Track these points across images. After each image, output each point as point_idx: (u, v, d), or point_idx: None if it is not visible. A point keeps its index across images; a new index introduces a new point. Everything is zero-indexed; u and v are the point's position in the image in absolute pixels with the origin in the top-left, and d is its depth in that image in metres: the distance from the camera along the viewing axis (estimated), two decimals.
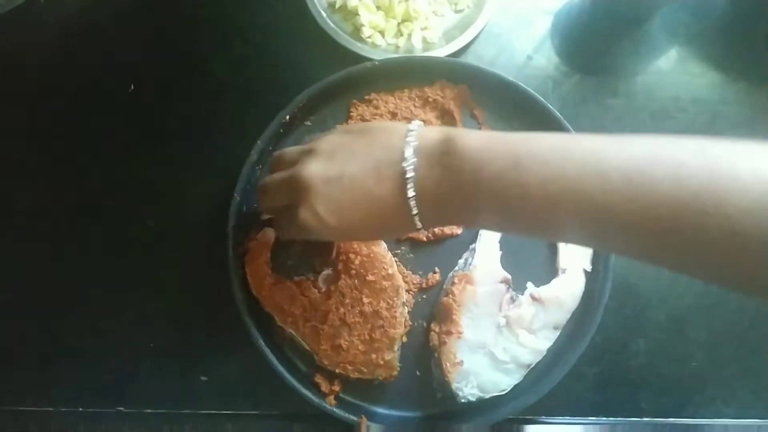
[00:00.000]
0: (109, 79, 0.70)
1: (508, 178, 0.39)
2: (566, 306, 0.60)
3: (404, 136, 0.43)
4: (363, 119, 0.66)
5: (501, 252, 0.62)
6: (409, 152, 0.42)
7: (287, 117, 0.63)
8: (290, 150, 0.51)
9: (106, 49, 0.72)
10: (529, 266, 0.63)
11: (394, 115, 0.66)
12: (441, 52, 0.68)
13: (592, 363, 0.63)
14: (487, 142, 0.40)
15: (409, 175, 0.42)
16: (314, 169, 0.45)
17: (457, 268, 0.62)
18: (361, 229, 0.46)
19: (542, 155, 0.39)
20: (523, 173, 0.38)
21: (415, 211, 0.43)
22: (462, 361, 0.58)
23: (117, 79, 0.70)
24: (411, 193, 0.42)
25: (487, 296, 0.60)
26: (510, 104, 0.66)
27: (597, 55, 0.73)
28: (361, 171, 0.44)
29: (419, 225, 0.44)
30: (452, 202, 0.42)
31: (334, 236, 0.46)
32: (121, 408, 0.63)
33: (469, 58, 0.71)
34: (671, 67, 0.72)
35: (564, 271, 0.62)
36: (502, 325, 0.60)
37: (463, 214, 0.43)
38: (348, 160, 0.45)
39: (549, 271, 0.63)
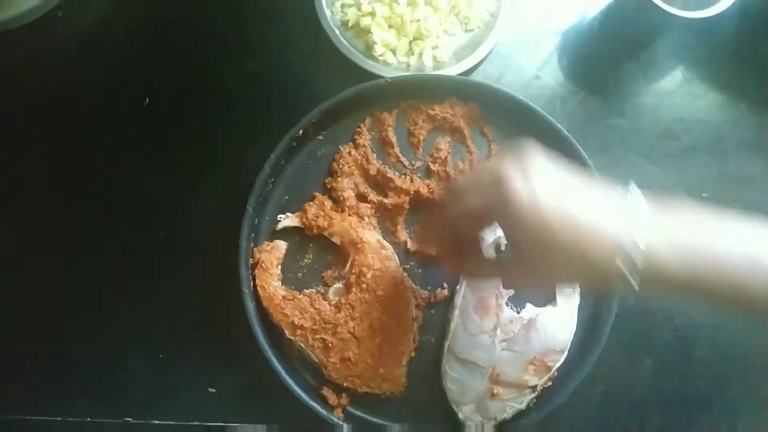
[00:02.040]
0: (124, 92, 0.71)
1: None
2: (558, 338, 0.60)
3: (625, 211, 0.42)
4: (375, 136, 0.67)
5: None
6: (635, 234, 0.41)
7: (300, 131, 0.64)
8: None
9: (121, 63, 0.73)
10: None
11: (409, 134, 0.67)
12: (451, 70, 0.69)
13: (597, 382, 0.63)
14: (715, 236, 0.42)
15: (634, 254, 0.41)
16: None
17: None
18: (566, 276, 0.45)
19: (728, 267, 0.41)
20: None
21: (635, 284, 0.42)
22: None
23: (132, 93, 0.71)
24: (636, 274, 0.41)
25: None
26: (519, 122, 0.66)
27: (604, 75, 0.74)
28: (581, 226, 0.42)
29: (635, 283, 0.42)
30: (677, 281, 0.42)
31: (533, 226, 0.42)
32: (129, 419, 0.63)
33: (479, 77, 0.72)
34: (676, 88, 0.73)
35: (557, 301, 0.62)
36: (503, 348, 0.60)
37: (682, 290, 0.43)
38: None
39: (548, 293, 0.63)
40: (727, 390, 0.64)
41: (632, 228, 0.41)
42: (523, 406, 0.59)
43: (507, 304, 0.62)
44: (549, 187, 0.42)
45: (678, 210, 0.43)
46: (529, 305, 0.62)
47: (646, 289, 0.42)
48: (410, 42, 0.71)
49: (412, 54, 0.71)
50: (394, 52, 0.71)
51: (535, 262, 0.44)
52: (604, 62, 0.74)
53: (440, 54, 0.71)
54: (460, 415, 0.59)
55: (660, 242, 0.41)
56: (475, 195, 0.45)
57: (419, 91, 0.67)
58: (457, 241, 0.50)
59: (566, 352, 0.60)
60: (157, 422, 0.63)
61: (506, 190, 0.42)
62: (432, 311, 0.64)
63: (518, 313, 0.62)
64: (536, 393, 0.59)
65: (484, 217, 0.46)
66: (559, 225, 0.41)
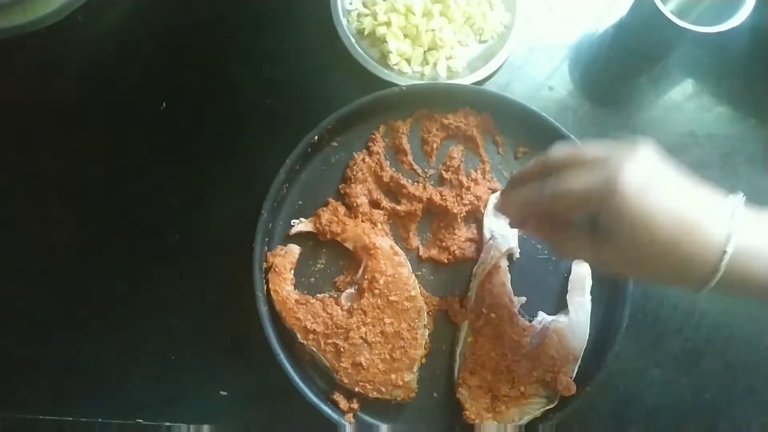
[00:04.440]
0: (141, 96, 0.72)
1: None
2: (571, 346, 0.60)
3: (726, 215, 0.43)
4: (388, 143, 0.68)
5: (510, 276, 0.63)
6: (733, 240, 0.42)
7: (315, 138, 0.65)
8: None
9: (140, 67, 0.74)
10: (540, 294, 0.64)
11: (423, 141, 0.68)
12: (465, 80, 0.70)
13: (607, 392, 0.63)
14: None
15: (727, 256, 0.42)
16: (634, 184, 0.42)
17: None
18: (655, 227, 0.42)
19: None
20: None
21: (714, 281, 0.43)
22: None
23: (149, 97, 0.72)
24: (720, 274, 0.42)
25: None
26: (531, 133, 0.67)
27: (615, 88, 0.74)
28: (681, 221, 0.42)
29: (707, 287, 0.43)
30: (756, 285, 0.43)
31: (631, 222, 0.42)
32: (140, 420, 0.63)
33: (491, 87, 0.73)
34: (687, 102, 0.74)
35: (569, 310, 0.62)
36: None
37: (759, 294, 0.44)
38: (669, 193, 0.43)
39: (559, 301, 0.64)
40: (736, 403, 0.64)
41: (727, 229, 0.42)
42: (538, 414, 0.59)
43: (519, 312, 0.62)
44: (657, 184, 0.42)
45: None
46: (541, 313, 0.63)
47: (724, 290, 0.43)
48: (425, 52, 0.72)
49: (427, 64, 0.72)
50: (408, 61, 0.72)
51: (629, 252, 0.44)
52: (615, 75, 0.75)
53: (454, 64, 0.72)
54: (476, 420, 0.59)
55: (751, 246, 0.42)
56: (579, 176, 0.44)
57: (433, 100, 0.68)
58: (543, 216, 0.49)
59: (579, 361, 0.60)
60: (168, 424, 0.63)
61: (615, 181, 0.41)
62: (444, 318, 0.64)
63: (530, 321, 0.62)
64: (552, 403, 0.59)
65: (582, 202, 0.44)
66: (662, 224, 0.42)
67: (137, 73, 0.73)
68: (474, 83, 0.70)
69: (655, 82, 0.74)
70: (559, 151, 0.48)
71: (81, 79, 0.73)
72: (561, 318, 0.62)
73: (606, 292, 0.63)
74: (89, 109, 0.72)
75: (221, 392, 0.64)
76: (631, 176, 0.42)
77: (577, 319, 0.61)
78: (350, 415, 0.60)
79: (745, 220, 0.43)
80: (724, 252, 0.41)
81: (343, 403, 0.61)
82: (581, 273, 0.63)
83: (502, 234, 0.63)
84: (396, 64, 0.71)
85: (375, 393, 0.60)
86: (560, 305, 0.63)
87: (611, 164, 0.43)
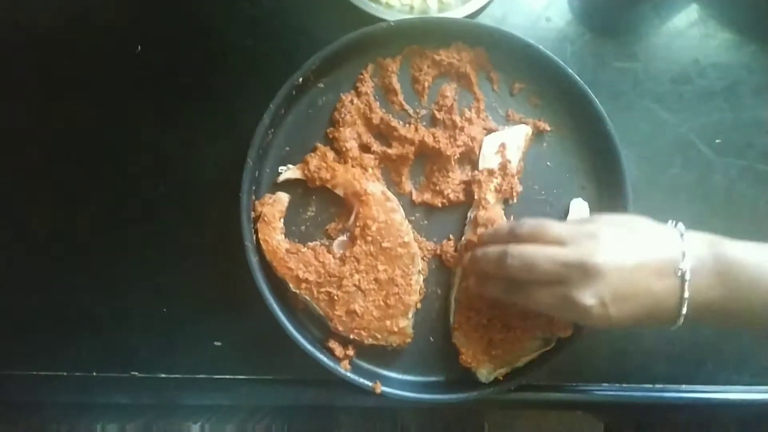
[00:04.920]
0: (114, 38, 0.68)
1: None
2: None
3: (678, 240, 0.47)
4: (378, 83, 0.65)
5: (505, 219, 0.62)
6: (688, 257, 0.46)
7: (300, 79, 0.62)
8: (532, 224, 0.51)
9: (111, 7, 0.69)
10: None
11: (413, 80, 0.65)
12: (457, 12, 0.66)
13: (605, 332, 0.63)
14: (756, 257, 0.46)
15: (688, 278, 0.46)
16: (607, 257, 0.46)
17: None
18: (629, 318, 0.47)
19: None
20: None
21: (684, 311, 0.46)
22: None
23: (123, 40, 0.68)
24: (686, 294, 0.46)
25: None
26: (528, 68, 0.64)
27: (616, 16, 0.70)
28: (644, 266, 0.46)
29: (680, 322, 0.47)
30: (721, 307, 0.46)
31: (605, 324, 0.47)
32: (135, 373, 0.63)
33: (485, 19, 0.69)
34: (691, 28, 0.70)
35: None
36: None
37: (726, 318, 0.48)
38: (631, 254, 0.47)
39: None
40: (734, 338, 0.64)
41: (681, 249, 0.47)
42: (534, 356, 0.59)
43: None
44: (622, 266, 0.46)
45: (724, 244, 0.47)
46: None
47: (691, 320, 0.47)
48: None
49: None
50: None
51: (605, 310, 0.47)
52: (616, 2, 0.71)
53: None
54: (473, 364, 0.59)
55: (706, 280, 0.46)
56: (542, 296, 0.48)
57: (424, 36, 0.64)
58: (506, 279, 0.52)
59: None
60: (163, 376, 0.63)
61: (577, 308, 0.46)
62: (438, 263, 0.63)
63: None
64: (549, 345, 0.59)
65: (544, 277, 0.48)
66: (627, 326, 0.48)
67: (108, 13, 0.69)
68: (467, 16, 0.66)
69: (657, 8, 0.70)
70: (527, 223, 0.51)
71: (50, 26, 0.69)
72: None
73: None
74: (60, 56, 0.68)
75: (215, 343, 0.63)
76: (591, 302, 0.46)
77: None
78: (346, 362, 0.60)
79: (694, 239, 0.48)
80: (683, 271, 0.46)
81: (338, 351, 0.60)
82: (578, 214, 0.61)
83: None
84: None
85: (370, 340, 0.60)
86: None
87: (570, 293, 0.47)
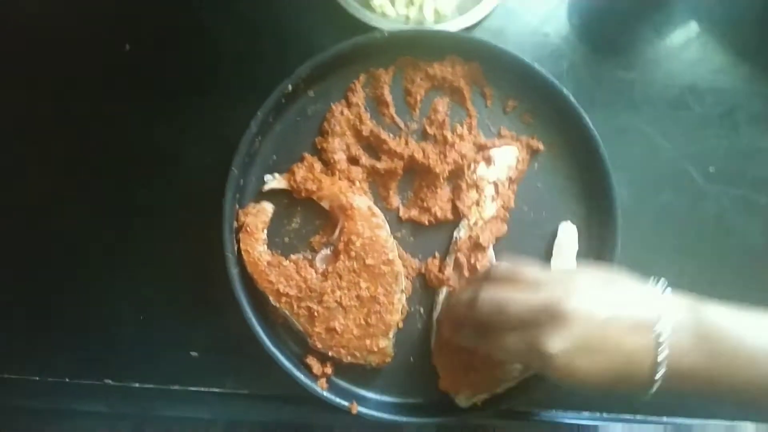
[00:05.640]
0: (103, 37, 0.67)
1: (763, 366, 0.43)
2: None
3: (658, 298, 0.45)
4: (369, 94, 0.63)
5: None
6: (665, 317, 0.44)
7: (289, 87, 0.60)
8: (505, 270, 0.49)
9: (100, 5, 0.67)
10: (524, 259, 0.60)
11: (406, 92, 0.64)
12: (453, 24, 0.65)
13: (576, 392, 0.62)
14: (738, 324, 0.44)
15: (663, 339, 0.43)
16: (578, 305, 0.44)
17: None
18: (597, 376, 0.45)
19: None
20: None
21: (658, 375, 0.43)
22: None
23: (110, 39, 0.66)
24: (662, 356, 0.43)
25: None
26: (523, 85, 0.63)
27: (615, 36, 0.69)
28: (617, 320, 0.44)
29: (653, 389, 0.44)
30: (699, 376, 0.44)
31: (571, 377, 0.45)
32: (109, 381, 0.62)
33: (482, 32, 0.67)
34: (691, 51, 0.68)
35: None
36: None
37: (706, 388, 0.45)
38: (604, 305, 0.45)
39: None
40: None
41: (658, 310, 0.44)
42: (515, 382, 0.58)
43: None
44: (583, 348, 0.44)
45: (706, 308, 0.45)
46: None
47: (666, 388, 0.44)
48: None
49: (413, 5, 0.66)
50: (392, 2, 0.66)
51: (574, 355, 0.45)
52: (616, 21, 0.69)
53: (442, 6, 0.66)
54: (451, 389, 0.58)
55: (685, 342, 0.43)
56: (509, 343, 0.46)
57: (418, 47, 0.63)
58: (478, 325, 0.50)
59: None
60: (137, 385, 0.62)
61: (541, 356, 0.44)
62: (422, 281, 0.62)
63: None
64: (530, 371, 0.58)
65: (516, 321, 0.46)
66: (595, 387, 0.45)
67: (96, 12, 0.67)
68: (463, 28, 0.65)
69: (659, 30, 0.69)
70: (502, 265, 0.50)
71: (37, 23, 0.67)
72: None
73: (592, 257, 0.61)
74: (47, 54, 0.67)
75: (191, 353, 0.62)
76: (565, 308, 0.44)
77: None
78: (323, 380, 0.59)
79: (674, 299, 0.45)
80: (659, 332, 0.43)
81: (316, 368, 0.59)
82: (567, 237, 0.60)
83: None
84: (379, 6, 0.66)
85: (349, 358, 0.59)
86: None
87: (552, 292, 0.45)
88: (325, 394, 0.58)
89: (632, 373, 0.44)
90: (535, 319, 0.44)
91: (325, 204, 0.61)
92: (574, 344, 0.43)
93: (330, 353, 0.58)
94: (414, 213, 0.62)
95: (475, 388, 0.57)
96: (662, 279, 0.47)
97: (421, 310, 0.61)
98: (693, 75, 0.68)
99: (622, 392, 0.46)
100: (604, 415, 0.61)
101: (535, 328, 0.44)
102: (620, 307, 0.45)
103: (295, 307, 0.58)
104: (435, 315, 0.60)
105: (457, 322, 0.52)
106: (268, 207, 0.61)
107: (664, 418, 0.61)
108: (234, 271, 0.58)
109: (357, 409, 0.57)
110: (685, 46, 0.69)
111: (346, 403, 0.58)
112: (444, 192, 0.62)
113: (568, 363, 0.44)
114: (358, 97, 0.63)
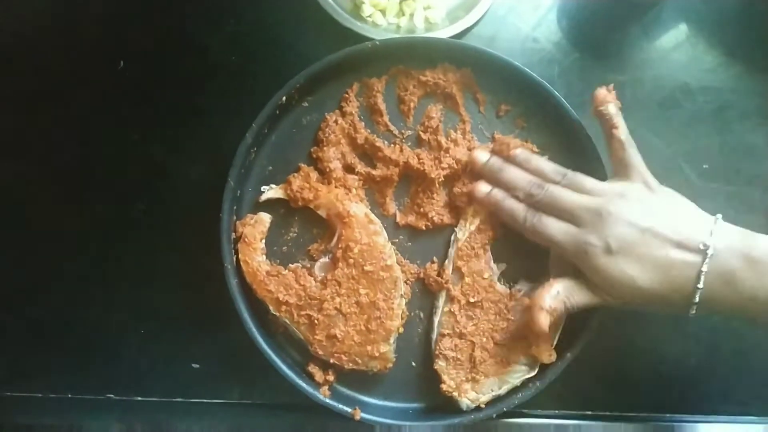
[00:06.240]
0: (96, 55, 0.67)
1: None
2: None
3: (710, 221, 0.49)
4: (363, 103, 0.64)
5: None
6: (716, 235, 0.47)
7: (283, 98, 0.61)
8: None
9: (93, 23, 0.68)
10: (521, 261, 0.61)
11: (399, 100, 0.64)
12: (444, 32, 0.66)
13: (590, 359, 0.62)
14: None
15: (711, 252, 0.46)
16: (622, 209, 0.50)
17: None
18: (638, 281, 0.48)
19: None
20: None
21: (700, 286, 0.47)
22: None
23: (105, 56, 0.67)
24: (705, 268, 0.46)
25: None
26: (515, 89, 0.63)
27: (605, 38, 0.70)
28: (665, 232, 0.48)
29: (693, 307, 0.48)
30: (740, 291, 0.46)
31: (612, 278, 0.49)
32: (111, 395, 0.62)
33: (473, 39, 0.68)
34: (680, 52, 0.69)
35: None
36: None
37: (742, 303, 0.47)
38: (649, 217, 0.49)
39: (541, 268, 0.60)
40: (720, 367, 0.63)
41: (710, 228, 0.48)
42: (517, 383, 0.58)
43: (499, 280, 0.60)
44: (624, 247, 0.48)
45: (757, 235, 0.48)
46: (522, 280, 0.60)
47: (707, 302, 0.47)
48: (401, 2, 0.67)
49: (403, 15, 0.67)
50: (383, 12, 0.67)
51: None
52: (606, 24, 0.70)
53: (432, 15, 0.67)
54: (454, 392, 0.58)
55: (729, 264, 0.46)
56: (555, 230, 0.52)
57: (410, 56, 0.63)
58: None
59: (560, 329, 0.58)
60: (140, 399, 0.62)
61: (582, 247, 0.50)
62: (421, 285, 0.62)
63: (510, 288, 0.60)
64: (532, 371, 0.58)
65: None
66: (637, 295, 0.49)
67: (91, 30, 0.68)
68: (454, 35, 0.66)
69: (648, 32, 0.69)
70: (570, 173, 0.55)
71: (30, 41, 0.68)
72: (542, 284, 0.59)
73: None
74: (40, 72, 0.67)
75: (193, 365, 0.62)
76: (610, 209, 0.50)
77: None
78: (325, 388, 0.59)
79: (724, 229, 0.48)
80: (707, 246, 0.47)
81: (318, 376, 0.59)
82: None
83: None
84: (370, 16, 0.67)
85: (351, 364, 0.59)
86: (542, 272, 0.61)
87: (604, 198, 0.51)
88: (328, 401, 0.58)
89: (674, 284, 0.47)
90: (584, 217, 0.50)
91: (322, 212, 0.61)
92: (614, 241, 0.48)
93: (331, 360, 0.59)
94: (411, 218, 0.62)
95: (478, 389, 0.57)
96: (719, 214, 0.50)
97: (421, 314, 0.62)
98: (684, 75, 0.69)
99: (666, 308, 0.49)
100: (607, 414, 0.61)
101: (581, 225, 0.51)
102: (667, 221, 0.49)
103: (296, 315, 0.58)
104: (435, 319, 0.60)
105: (510, 191, 0.57)
106: (265, 217, 0.62)
107: (667, 416, 0.61)
108: (233, 282, 0.59)
109: (360, 415, 0.57)
110: (675, 47, 0.69)
111: (348, 410, 0.57)
112: (440, 197, 0.62)
113: (610, 263, 0.48)
114: (352, 106, 0.64)
